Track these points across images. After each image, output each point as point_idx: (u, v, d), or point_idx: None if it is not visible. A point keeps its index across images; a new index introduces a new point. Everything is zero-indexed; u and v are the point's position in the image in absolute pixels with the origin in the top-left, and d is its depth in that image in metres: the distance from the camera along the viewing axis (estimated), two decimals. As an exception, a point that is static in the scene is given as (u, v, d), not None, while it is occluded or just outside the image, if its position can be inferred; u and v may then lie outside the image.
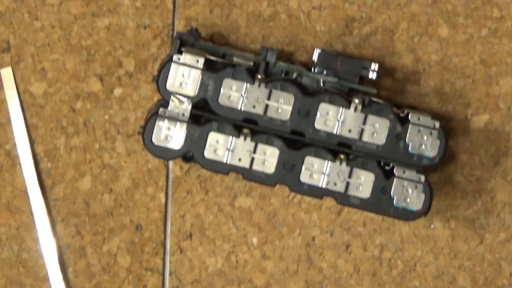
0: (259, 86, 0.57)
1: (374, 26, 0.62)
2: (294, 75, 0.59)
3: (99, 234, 0.63)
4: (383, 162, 0.59)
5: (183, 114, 0.58)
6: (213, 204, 0.63)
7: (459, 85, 0.62)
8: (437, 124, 0.58)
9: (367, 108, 0.58)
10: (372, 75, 0.59)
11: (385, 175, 0.58)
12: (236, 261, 0.64)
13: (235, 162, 0.58)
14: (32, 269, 0.63)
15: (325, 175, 0.58)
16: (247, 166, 0.58)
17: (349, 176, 0.58)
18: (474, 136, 0.62)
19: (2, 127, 0.62)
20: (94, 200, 0.63)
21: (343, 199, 0.59)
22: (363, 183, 0.58)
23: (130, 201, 0.63)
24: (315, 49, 0.59)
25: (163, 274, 0.63)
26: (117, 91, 0.61)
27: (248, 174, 0.58)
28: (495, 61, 0.62)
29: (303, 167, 0.58)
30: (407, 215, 0.59)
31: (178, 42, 0.58)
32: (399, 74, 0.62)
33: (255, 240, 0.63)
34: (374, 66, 0.59)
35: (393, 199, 0.58)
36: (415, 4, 0.61)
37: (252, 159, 0.58)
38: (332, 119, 0.58)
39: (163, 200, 0.63)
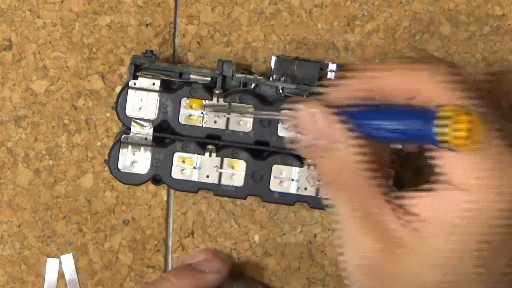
0: (217, 101, 0.57)
1: (376, 24, 0.62)
2: (252, 86, 0.58)
3: (101, 232, 0.63)
4: None
5: (146, 138, 0.57)
6: (215, 202, 0.63)
7: (460, 83, 0.62)
8: None
9: None
10: (331, 75, 0.59)
11: None
12: (238, 258, 0.64)
13: (204, 179, 0.58)
14: (34, 267, 0.63)
15: (295, 181, 0.58)
16: (215, 181, 0.58)
17: (319, 180, 0.58)
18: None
19: (3, 124, 0.62)
20: (96, 198, 0.63)
21: (315, 203, 0.58)
22: None
23: (132, 198, 0.63)
24: (272, 56, 0.59)
25: (165, 271, 0.64)
26: (119, 89, 0.61)
27: (218, 190, 0.58)
28: (497, 58, 0.62)
29: (272, 176, 0.58)
30: None
31: (133, 67, 0.57)
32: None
33: (256, 238, 0.63)
34: (332, 66, 0.58)
35: None
36: (417, 2, 0.61)
37: (220, 174, 0.58)
38: None
39: (165, 198, 0.63)
